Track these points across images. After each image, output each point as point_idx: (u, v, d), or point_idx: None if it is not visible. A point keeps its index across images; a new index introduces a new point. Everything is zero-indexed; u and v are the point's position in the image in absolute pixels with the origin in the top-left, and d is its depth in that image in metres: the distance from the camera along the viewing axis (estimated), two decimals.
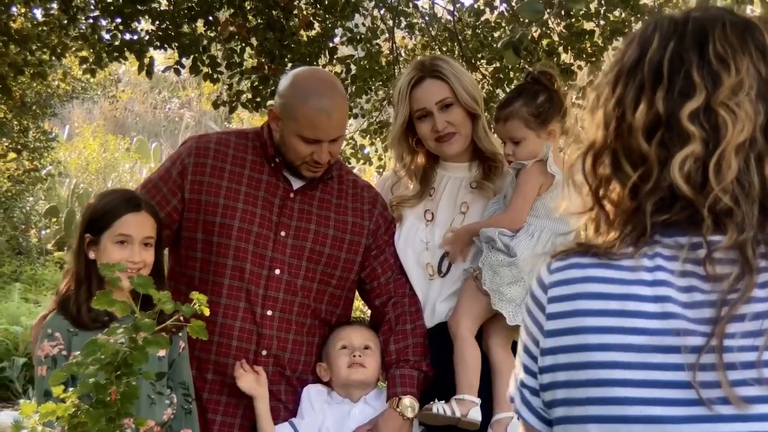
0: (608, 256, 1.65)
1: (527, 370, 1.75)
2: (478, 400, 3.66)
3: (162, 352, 3.55)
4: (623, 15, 9.09)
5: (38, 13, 9.58)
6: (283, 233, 3.79)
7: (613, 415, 1.58)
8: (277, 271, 3.76)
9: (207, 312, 2.82)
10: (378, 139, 10.39)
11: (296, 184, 3.86)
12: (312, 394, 3.77)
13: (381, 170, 10.70)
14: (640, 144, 1.64)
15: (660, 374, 1.56)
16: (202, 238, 3.74)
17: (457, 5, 10.14)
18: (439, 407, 3.64)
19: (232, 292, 3.72)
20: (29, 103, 13.13)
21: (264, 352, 3.72)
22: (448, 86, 3.87)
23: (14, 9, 9.13)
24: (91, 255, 3.50)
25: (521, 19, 7.63)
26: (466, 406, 3.65)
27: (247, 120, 24.53)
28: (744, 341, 1.53)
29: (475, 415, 3.64)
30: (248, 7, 8.92)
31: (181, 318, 2.67)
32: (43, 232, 17.28)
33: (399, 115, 3.95)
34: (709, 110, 1.62)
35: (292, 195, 3.84)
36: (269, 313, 3.74)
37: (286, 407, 3.78)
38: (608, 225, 1.71)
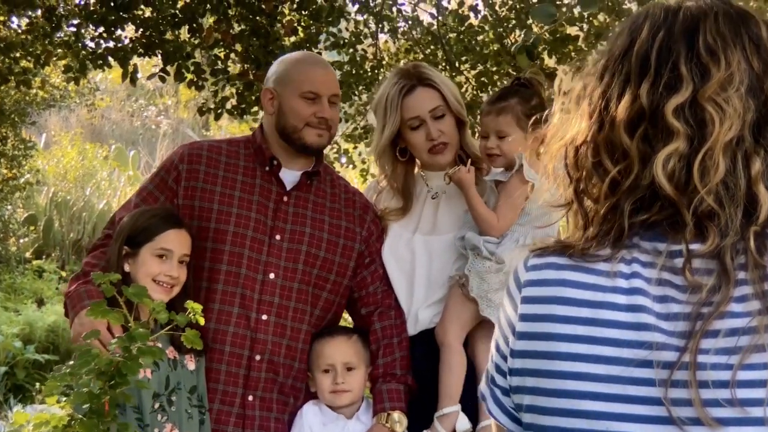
0: (585, 259, 1.58)
1: (498, 369, 1.70)
2: (458, 406, 3.69)
3: (192, 365, 3.57)
4: (607, 19, 9.12)
5: (17, 22, 9.54)
6: (278, 237, 3.78)
7: (580, 429, 1.52)
8: (272, 276, 3.76)
9: (202, 321, 2.83)
10: (362, 143, 10.39)
11: (290, 186, 3.86)
12: (309, 416, 3.76)
13: (365, 173, 10.70)
14: (621, 138, 1.57)
15: (631, 389, 1.48)
16: (196, 244, 3.72)
17: (441, 9, 10.14)
18: None
19: (225, 298, 3.71)
20: (7, 112, 13.05)
21: (258, 357, 3.71)
22: (439, 94, 3.88)
23: None
24: (126, 268, 3.53)
25: (532, 23, 7.64)
26: (450, 419, 3.68)
27: (226, 128, 24.51)
28: (717, 358, 1.44)
29: (463, 424, 3.67)
30: (232, 14, 8.89)
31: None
32: (22, 241, 17.20)
33: (388, 125, 3.92)
34: (696, 105, 1.53)
35: (285, 198, 3.83)
36: (264, 317, 3.73)
37: (277, 419, 3.76)
38: (586, 222, 1.63)
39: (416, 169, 4.10)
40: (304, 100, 3.78)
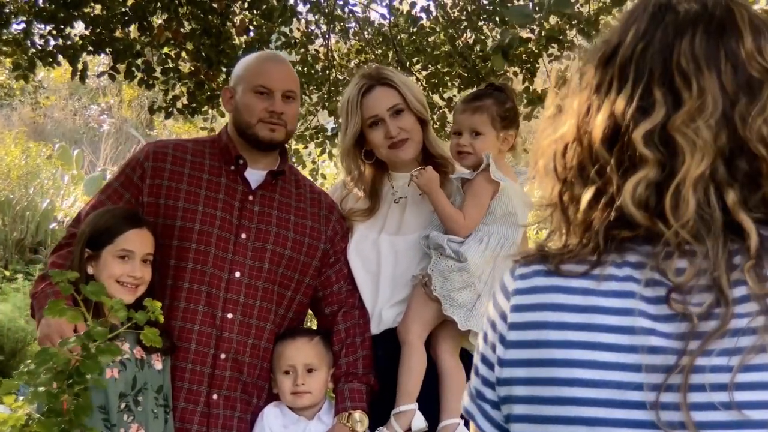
0: (573, 263, 1.54)
1: (486, 382, 1.66)
2: (415, 405, 3.71)
3: (159, 365, 3.56)
4: (558, 22, 9.19)
5: None
6: (243, 235, 3.78)
7: None
8: (237, 274, 3.75)
9: (161, 319, 2.81)
10: (313, 143, 10.39)
11: (255, 185, 3.87)
12: (270, 418, 3.76)
13: (314, 173, 10.68)
14: (600, 151, 1.52)
15: (629, 394, 1.45)
16: (161, 242, 3.71)
17: (393, 10, 10.16)
18: None
19: (191, 296, 3.71)
20: None
21: (223, 356, 3.70)
22: (398, 93, 3.91)
23: None
24: (90, 270, 3.52)
25: (509, 24, 7.67)
26: (407, 417, 3.70)
27: (171, 128, 24.36)
28: (719, 360, 1.41)
29: (419, 423, 3.70)
30: (183, 13, 8.85)
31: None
32: None
33: (350, 125, 3.96)
34: (666, 133, 1.47)
35: (251, 197, 3.84)
36: (230, 316, 3.72)
37: (240, 418, 3.75)
38: (568, 225, 1.59)
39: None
40: (256, 95, 3.80)
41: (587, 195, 1.54)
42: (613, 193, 1.50)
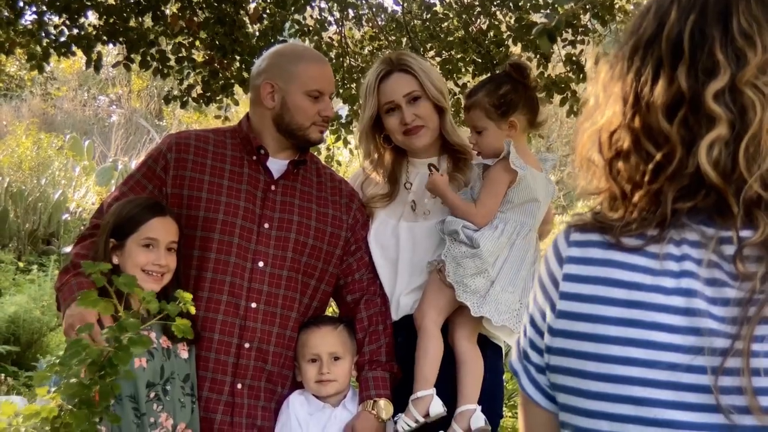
0: (632, 239, 1.54)
1: (533, 345, 1.68)
2: (433, 390, 3.71)
3: (185, 354, 3.56)
4: (573, 7, 9.15)
5: None
6: (266, 225, 3.79)
7: (628, 415, 1.50)
8: (261, 264, 3.76)
9: (193, 311, 2.81)
10: (328, 130, 10.36)
11: (277, 175, 3.87)
12: (296, 406, 3.76)
13: (329, 160, 10.68)
14: (660, 123, 1.54)
15: (681, 376, 1.46)
16: (186, 233, 3.71)
17: None
18: (402, 425, 3.70)
19: (215, 286, 3.71)
20: None
21: (247, 345, 3.71)
22: (415, 80, 3.92)
23: None
24: (115, 260, 3.52)
25: (555, 6, 7.63)
26: (425, 402, 3.70)
27: (181, 117, 24.37)
28: None
29: (436, 408, 3.69)
30: (196, 1, 8.84)
31: None
32: None
33: (367, 109, 3.98)
34: (735, 90, 1.50)
35: (273, 187, 3.84)
36: (254, 305, 3.73)
37: (264, 407, 3.76)
38: (625, 202, 1.59)
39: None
40: (310, 98, 3.81)
41: (650, 168, 1.55)
42: (679, 161, 1.52)
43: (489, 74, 8.51)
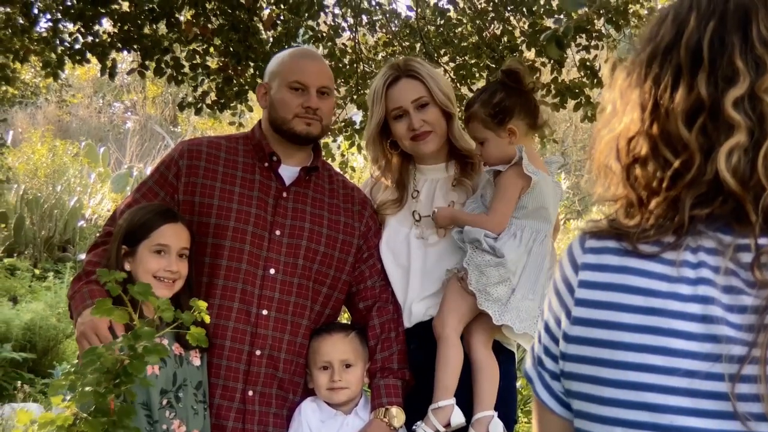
0: (648, 246, 1.54)
1: (548, 352, 1.68)
2: (453, 400, 3.69)
3: (197, 361, 3.56)
4: (586, 12, 9.13)
5: None
6: (278, 232, 3.78)
7: (644, 422, 1.49)
8: (272, 271, 3.76)
9: (207, 319, 2.81)
10: (341, 136, 10.38)
11: (288, 181, 3.87)
12: (308, 413, 3.76)
13: (344, 166, 10.69)
14: (679, 130, 1.53)
15: (698, 383, 1.46)
16: (197, 240, 3.72)
17: (420, 2, 10.14)
18: None
19: (226, 293, 3.71)
20: None
21: (258, 352, 3.71)
22: (423, 86, 3.91)
23: None
24: (127, 266, 3.52)
25: (563, 12, 7.62)
26: (445, 412, 3.68)
27: (195, 123, 24.41)
28: None
29: (458, 418, 3.68)
30: (210, 8, 8.86)
31: None
32: None
33: (374, 115, 3.97)
34: (754, 98, 1.50)
35: (285, 194, 3.84)
36: (265, 312, 3.73)
37: (276, 414, 3.76)
38: (641, 208, 1.59)
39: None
40: (292, 91, 3.81)
41: (668, 174, 1.55)
42: (697, 169, 1.52)
43: None
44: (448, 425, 3.67)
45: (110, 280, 2.70)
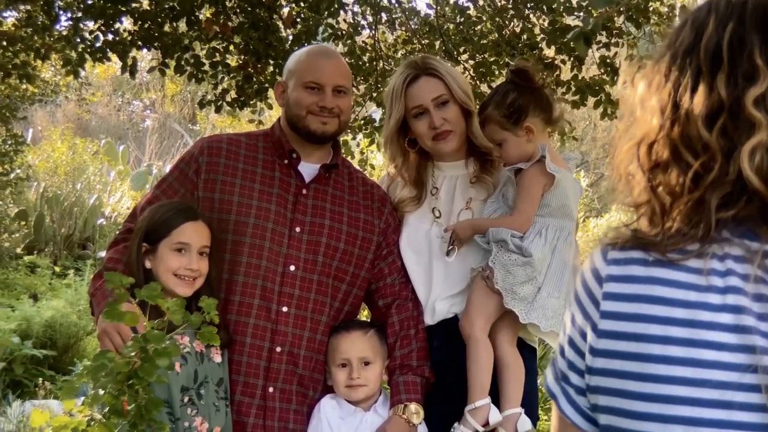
0: (673, 255, 1.51)
1: (573, 367, 1.65)
2: (488, 399, 3.68)
3: (218, 358, 3.57)
4: (607, 9, 9.11)
5: (15, 15, 9.50)
6: (297, 229, 3.79)
7: None
8: (292, 268, 3.77)
9: (216, 320, 2.81)
10: (361, 133, 10.38)
11: (308, 179, 3.88)
12: (327, 410, 3.77)
13: (363, 163, 10.69)
14: (700, 132, 1.50)
15: (731, 395, 1.42)
16: (217, 237, 3.72)
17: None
18: None
19: (246, 290, 3.72)
20: None
21: (278, 349, 3.72)
22: (443, 83, 3.90)
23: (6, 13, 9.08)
24: (147, 264, 3.54)
25: (590, 9, 7.61)
26: (482, 412, 3.67)
27: (214, 121, 24.45)
28: None
29: (495, 417, 3.67)
30: (230, 6, 8.88)
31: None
32: (13, 237, 17.11)
33: (393, 113, 3.96)
34: None
35: (304, 191, 3.85)
36: (285, 309, 3.74)
37: (296, 411, 3.77)
38: (664, 215, 1.56)
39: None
40: (307, 90, 3.81)
41: (689, 178, 1.52)
42: (719, 169, 1.50)
43: None
44: (486, 424, 3.66)
45: (117, 287, 2.70)
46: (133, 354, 2.57)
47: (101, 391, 2.58)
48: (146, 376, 2.54)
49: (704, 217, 1.50)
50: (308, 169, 3.90)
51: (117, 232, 3.96)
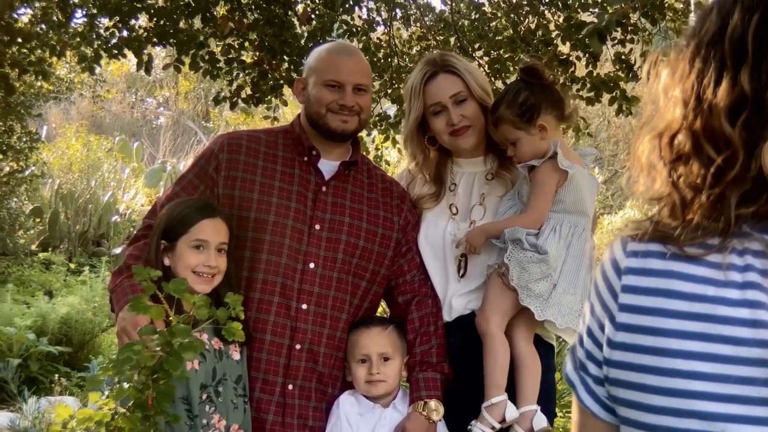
0: (692, 249, 1.49)
1: (591, 357, 1.65)
2: (505, 395, 3.68)
3: (237, 356, 3.57)
4: (623, 6, 9.09)
5: (30, 12, 9.52)
6: (317, 226, 3.79)
7: (693, 429, 1.45)
8: (312, 265, 3.77)
9: (242, 315, 2.81)
10: (376, 129, 10.37)
11: (328, 176, 3.88)
12: (346, 407, 3.77)
13: (378, 159, 10.69)
14: (722, 125, 1.48)
15: (749, 390, 1.41)
16: (237, 234, 3.72)
17: None
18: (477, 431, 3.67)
19: (266, 287, 3.72)
20: (13, 104, 13.01)
21: (298, 346, 3.72)
22: (461, 80, 3.90)
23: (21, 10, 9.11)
24: (166, 261, 3.55)
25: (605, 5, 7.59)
26: (499, 408, 3.67)
27: (227, 117, 24.49)
28: None
29: (512, 413, 3.66)
30: (245, 3, 8.89)
31: None
32: (28, 233, 17.17)
33: (412, 111, 3.97)
34: None
35: (324, 188, 3.84)
36: (304, 306, 3.74)
37: (315, 408, 3.77)
38: (685, 208, 1.54)
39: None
40: (327, 88, 3.81)
41: (711, 173, 1.50)
42: (741, 165, 1.47)
43: None
44: (503, 421, 3.66)
45: (145, 279, 2.70)
46: (158, 348, 2.57)
47: (126, 385, 2.58)
48: (172, 369, 2.54)
49: (724, 213, 1.49)
50: (328, 166, 3.90)
51: (133, 229, 3.97)
